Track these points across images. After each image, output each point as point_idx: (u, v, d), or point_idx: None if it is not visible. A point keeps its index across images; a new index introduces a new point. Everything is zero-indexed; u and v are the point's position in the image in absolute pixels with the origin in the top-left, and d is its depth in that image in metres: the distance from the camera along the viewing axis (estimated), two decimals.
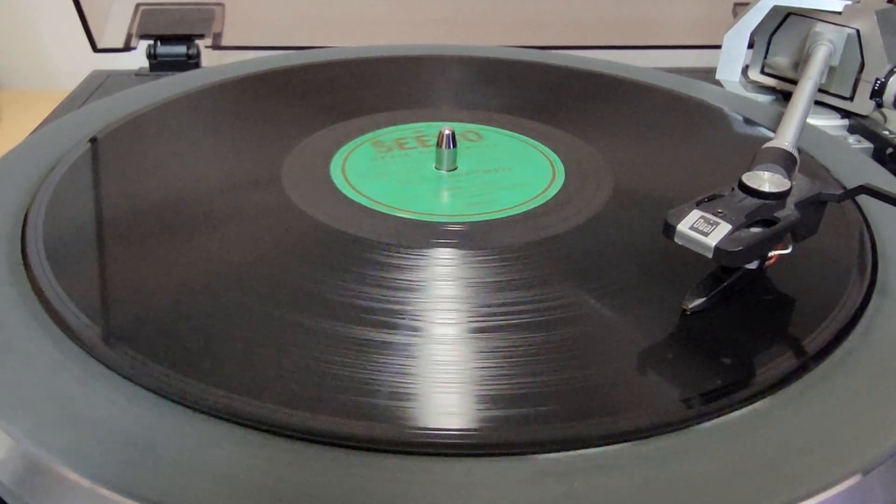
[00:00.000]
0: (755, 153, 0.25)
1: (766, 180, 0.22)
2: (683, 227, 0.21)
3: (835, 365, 0.21)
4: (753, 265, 0.22)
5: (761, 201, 0.22)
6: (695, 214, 0.21)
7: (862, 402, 0.19)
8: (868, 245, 0.26)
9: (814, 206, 0.23)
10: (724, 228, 0.20)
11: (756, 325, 0.22)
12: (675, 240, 0.21)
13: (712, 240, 0.20)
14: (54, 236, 0.25)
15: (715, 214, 0.21)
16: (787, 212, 0.22)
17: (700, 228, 0.21)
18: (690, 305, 0.22)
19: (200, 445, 0.17)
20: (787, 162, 0.24)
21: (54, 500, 0.17)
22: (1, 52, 0.63)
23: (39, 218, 0.26)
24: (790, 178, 0.23)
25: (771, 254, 0.22)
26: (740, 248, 0.20)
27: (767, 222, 0.22)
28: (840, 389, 0.20)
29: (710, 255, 0.20)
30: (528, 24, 0.55)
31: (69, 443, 0.17)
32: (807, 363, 0.20)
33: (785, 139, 0.27)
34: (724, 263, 0.21)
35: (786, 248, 0.22)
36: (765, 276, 0.23)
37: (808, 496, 0.17)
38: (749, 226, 0.21)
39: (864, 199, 0.28)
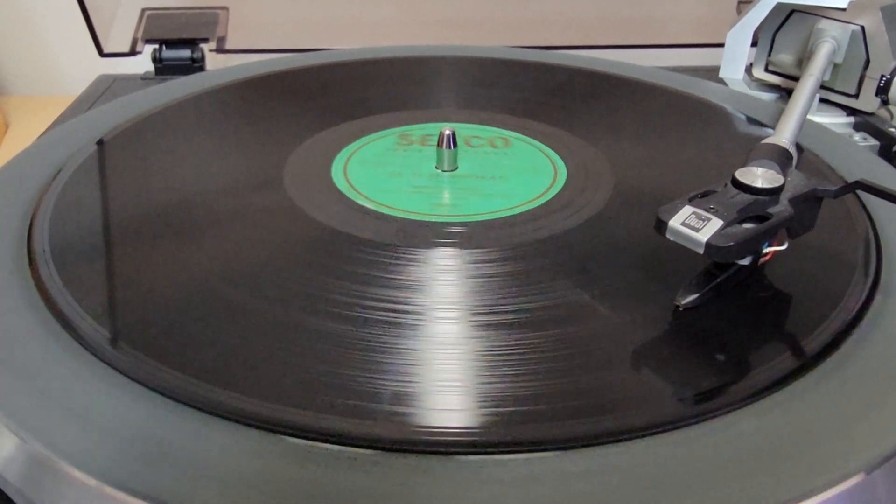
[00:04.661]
0: (750, 149, 0.25)
1: (759, 176, 0.22)
2: (675, 223, 0.21)
3: (838, 363, 0.21)
4: (746, 261, 0.22)
5: (753, 197, 0.21)
6: (686, 210, 0.21)
7: (866, 400, 0.19)
8: (872, 243, 0.26)
9: (809, 202, 0.23)
10: (716, 224, 0.20)
11: (759, 323, 0.22)
12: (667, 235, 0.21)
13: (703, 235, 0.20)
14: (60, 238, 0.25)
15: (707, 210, 0.21)
16: (781, 207, 0.22)
17: (692, 224, 0.21)
18: (683, 302, 0.22)
19: (206, 445, 0.17)
20: (781, 158, 0.24)
21: (60, 498, 0.17)
22: (8, 58, 0.63)
23: (46, 220, 0.26)
24: (785, 174, 0.23)
25: (767, 250, 0.22)
26: (731, 243, 0.20)
27: (760, 218, 0.21)
28: (844, 387, 0.20)
29: (701, 251, 0.20)
30: (530, 25, 0.55)
31: (75, 442, 0.17)
32: (810, 361, 0.20)
33: (782, 136, 0.26)
34: (715, 259, 0.21)
35: (781, 245, 0.22)
36: (769, 274, 0.23)
37: (812, 495, 0.16)
38: (741, 221, 0.21)
39: (870, 197, 0.27)
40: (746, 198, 0.21)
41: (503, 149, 0.33)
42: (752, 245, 0.21)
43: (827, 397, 0.19)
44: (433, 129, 0.34)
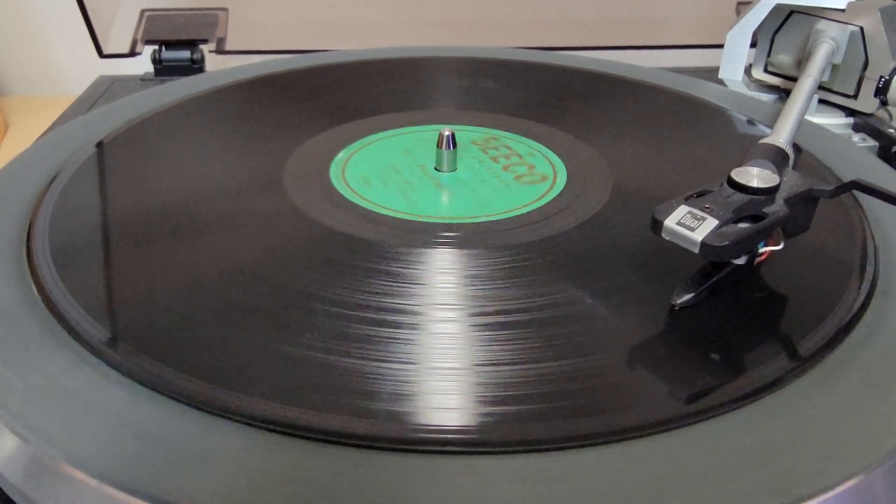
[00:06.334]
0: (747, 149, 0.25)
1: (755, 176, 0.22)
2: (670, 222, 0.21)
3: (837, 363, 0.21)
4: (742, 261, 0.22)
5: (749, 196, 0.22)
6: (682, 210, 0.21)
7: (865, 400, 0.19)
8: (870, 244, 0.26)
9: (805, 201, 0.23)
10: (711, 223, 0.20)
11: (756, 323, 0.22)
12: (663, 235, 0.21)
13: (698, 235, 0.20)
14: (60, 239, 0.25)
15: (702, 210, 0.21)
16: (776, 207, 0.22)
17: (687, 223, 0.21)
18: (679, 301, 0.22)
19: (206, 445, 0.17)
20: (778, 158, 0.24)
21: (61, 497, 0.17)
22: (9, 59, 0.63)
23: (45, 221, 0.26)
24: (781, 174, 0.23)
25: (762, 250, 0.22)
26: (726, 242, 0.20)
27: (756, 218, 0.21)
28: (842, 388, 0.20)
29: (696, 250, 0.20)
30: (529, 25, 0.55)
31: (75, 442, 0.17)
32: (808, 362, 0.20)
33: (779, 136, 0.27)
34: (710, 258, 0.21)
35: (777, 245, 0.22)
36: (766, 274, 0.23)
37: (810, 495, 0.17)
38: (737, 221, 0.21)
39: (869, 198, 0.27)
40: (742, 197, 0.22)
41: (503, 150, 0.33)
42: (747, 244, 0.21)
43: (825, 398, 0.19)
44: (433, 130, 0.34)
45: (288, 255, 0.25)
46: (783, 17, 0.42)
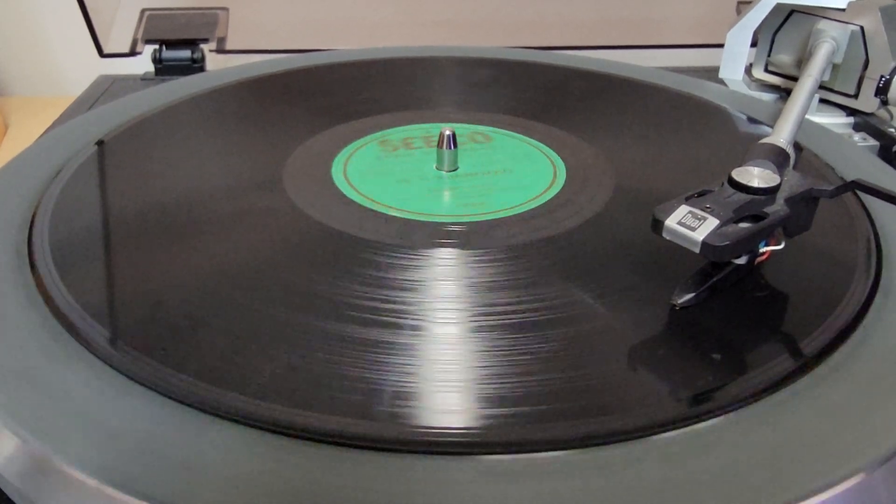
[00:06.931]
0: (747, 149, 0.25)
1: (756, 176, 0.22)
2: (671, 222, 0.21)
3: (839, 363, 0.21)
4: (742, 260, 0.22)
5: (750, 196, 0.22)
6: (683, 209, 0.21)
7: (866, 400, 0.19)
8: (872, 243, 0.26)
9: (805, 201, 0.23)
10: (712, 223, 0.20)
11: (758, 323, 0.22)
12: (663, 235, 0.21)
13: (699, 234, 0.20)
14: (61, 238, 0.25)
15: (703, 209, 0.21)
16: (777, 207, 0.22)
17: (687, 223, 0.21)
18: (679, 301, 0.22)
19: (206, 445, 0.17)
20: (778, 158, 0.24)
21: (60, 498, 0.17)
22: (9, 59, 0.63)
23: (46, 220, 0.26)
24: (781, 173, 0.23)
25: (763, 249, 0.22)
26: (727, 242, 0.20)
27: (757, 218, 0.22)
28: (844, 387, 0.20)
29: (697, 250, 0.20)
30: (529, 25, 0.55)
31: (75, 442, 0.17)
32: (810, 361, 0.20)
33: (780, 136, 0.27)
34: (711, 258, 0.21)
35: (778, 244, 0.22)
36: (768, 274, 0.23)
37: (811, 495, 0.16)
38: (737, 221, 0.21)
39: (871, 198, 0.27)
40: (743, 197, 0.22)
41: (503, 149, 0.33)
42: (747, 244, 0.21)
43: (826, 397, 0.19)
44: (433, 129, 0.34)
45: (288, 255, 0.25)
46: (783, 17, 0.42)
